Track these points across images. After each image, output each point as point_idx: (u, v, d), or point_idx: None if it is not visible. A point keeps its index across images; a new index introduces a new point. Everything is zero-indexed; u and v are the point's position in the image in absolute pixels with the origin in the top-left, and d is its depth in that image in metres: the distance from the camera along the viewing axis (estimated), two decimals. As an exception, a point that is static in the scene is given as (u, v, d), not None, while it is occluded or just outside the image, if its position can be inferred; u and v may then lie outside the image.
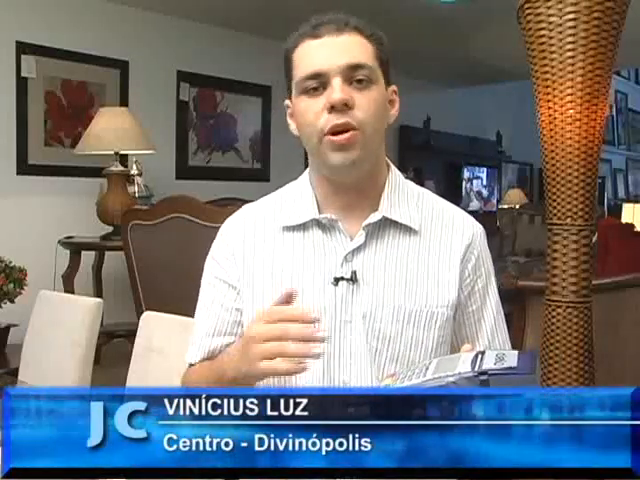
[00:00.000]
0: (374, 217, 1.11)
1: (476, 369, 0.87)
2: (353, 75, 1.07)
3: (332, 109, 1.05)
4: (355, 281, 1.09)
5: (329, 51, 1.08)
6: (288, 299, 0.96)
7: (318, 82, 1.07)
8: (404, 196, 1.15)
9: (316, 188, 1.15)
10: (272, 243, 1.14)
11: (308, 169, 1.19)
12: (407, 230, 1.13)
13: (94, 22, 4.42)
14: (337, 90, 1.05)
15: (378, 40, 1.12)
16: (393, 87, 1.15)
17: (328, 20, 1.10)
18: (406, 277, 1.11)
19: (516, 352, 0.91)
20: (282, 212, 1.16)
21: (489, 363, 0.88)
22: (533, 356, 0.90)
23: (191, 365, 1.17)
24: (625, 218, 5.38)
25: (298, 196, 1.16)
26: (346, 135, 1.05)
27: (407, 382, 0.91)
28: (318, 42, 1.09)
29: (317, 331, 0.91)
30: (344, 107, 1.05)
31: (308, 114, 1.08)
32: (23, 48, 4.09)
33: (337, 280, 1.09)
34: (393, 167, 1.18)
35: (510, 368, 0.87)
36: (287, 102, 1.18)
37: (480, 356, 0.90)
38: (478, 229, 1.18)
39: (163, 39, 4.83)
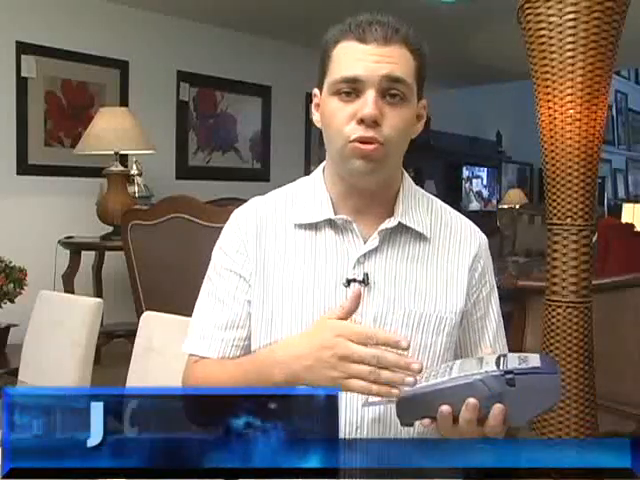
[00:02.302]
0: (390, 222, 1.11)
1: (502, 368, 0.89)
2: (389, 88, 1.06)
3: (361, 121, 1.05)
4: (367, 284, 1.09)
5: (372, 60, 1.05)
6: (357, 301, 0.98)
7: (352, 87, 1.06)
8: (416, 203, 1.16)
9: (331, 188, 1.15)
10: (283, 239, 1.13)
11: (322, 167, 1.19)
12: (418, 236, 1.13)
13: (94, 22, 4.42)
14: (370, 105, 1.04)
15: (422, 55, 1.11)
16: (423, 102, 1.15)
17: (377, 23, 1.07)
18: (416, 282, 1.11)
19: (537, 355, 0.93)
20: (294, 209, 1.15)
21: (514, 363, 0.90)
22: (554, 359, 0.93)
23: (193, 357, 1.15)
24: (625, 218, 5.38)
25: (311, 194, 1.15)
26: (371, 147, 1.05)
27: (432, 380, 0.93)
28: (363, 48, 1.06)
29: (413, 362, 0.93)
30: (373, 123, 1.04)
31: (336, 118, 1.07)
32: (23, 48, 4.09)
33: (349, 282, 1.09)
34: (406, 174, 1.18)
35: (535, 368, 0.89)
36: (315, 90, 1.15)
37: (503, 357, 0.92)
38: (483, 239, 1.20)
39: (163, 39, 4.83)
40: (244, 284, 1.13)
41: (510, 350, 1.22)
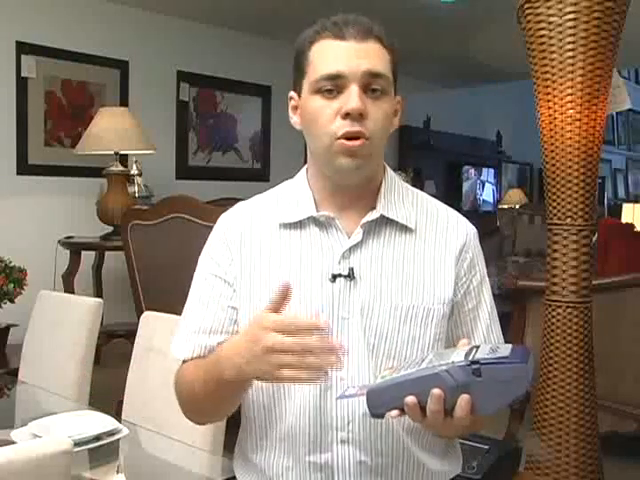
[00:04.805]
0: (372, 215, 1.12)
1: (469, 359, 0.89)
2: (370, 83, 1.07)
3: (347, 116, 1.06)
4: (352, 278, 1.10)
5: (352, 55, 1.07)
6: (285, 295, 0.94)
7: (334, 84, 1.07)
8: (399, 196, 1.17)
9: (314, 187, 1.16)
10: (269, 240, 1.14)
11: (305, 167, 1.20)
12: (403, 229, 1.14)
13: (94, 22, 4.42)
14: (355, 98, 1.05)
15: (395, 51, 1.12)
16: (398, 97, 1.16)
17: (353, 22, 1.09)
18: (402, 274, 1.12)
19: (510, 345, 0.93)
20: (279, 209, 1.16)
21: (482, 354, 0.90)
22: (527, 349, 0.92)
23: (184, 361, 1.17)
24: (625, 218, 5.37)
25: (295, 194, 1.17)
26: (358, 142, 1.06)
27: (403, 372, 0.93)
28: (341, 44, 1.08)
29: (337, 345, 0.90)
30: (359, 116, 1.06)
31: (321, 116, 1.08)
32: (23, 48, 4.09)
33: (335, 277, 1.10)
34: (388, 168, 1.20)
35: (502, 357, 0.89)
36: (292, 93, 1.16)
37: (475, 349, 0.92)
38: (471, 229, 1.20)
39: (163, 39, 4.84)
40: (228, 289, 1.14)
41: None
